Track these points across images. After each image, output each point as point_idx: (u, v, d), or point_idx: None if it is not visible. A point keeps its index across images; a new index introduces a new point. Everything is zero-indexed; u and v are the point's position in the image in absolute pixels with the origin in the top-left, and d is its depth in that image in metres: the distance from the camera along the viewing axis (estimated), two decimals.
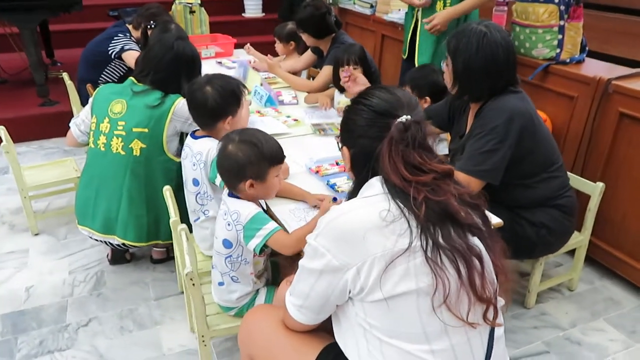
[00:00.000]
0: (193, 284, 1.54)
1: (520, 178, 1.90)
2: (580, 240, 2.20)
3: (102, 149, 2.16)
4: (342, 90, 2.84)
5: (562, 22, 2.50)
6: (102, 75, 3.41)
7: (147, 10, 3.32)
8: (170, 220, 1.78)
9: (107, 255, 2.48)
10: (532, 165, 1.90)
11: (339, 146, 1.35)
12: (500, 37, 1.79)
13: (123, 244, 2.24)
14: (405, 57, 3.18)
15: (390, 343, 1.08)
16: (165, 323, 2.13)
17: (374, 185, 1.14)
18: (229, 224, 1.56)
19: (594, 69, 2.45)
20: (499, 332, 1.17)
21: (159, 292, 2.30)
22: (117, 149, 2.13)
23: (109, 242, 2.28)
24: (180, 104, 2.12)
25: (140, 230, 2.19)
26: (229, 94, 1.89)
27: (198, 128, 2.09)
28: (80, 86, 3.50)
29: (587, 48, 2.62)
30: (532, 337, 2.06)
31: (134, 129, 2.11)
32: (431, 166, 1.11)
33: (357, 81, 2.45)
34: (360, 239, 1.06)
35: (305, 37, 3.06)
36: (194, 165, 1.88)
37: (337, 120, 2.61)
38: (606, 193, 2.16)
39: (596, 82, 2.31)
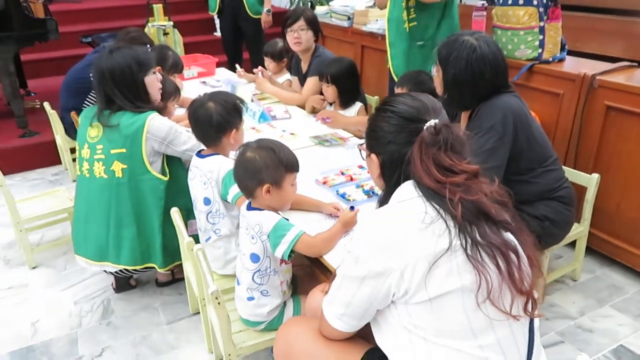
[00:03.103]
0: (219, 303, 1.53)
1: (517, 174, 1.95)
2: (580, 231, 2.27)
3: (87, 175, 2.14)
4: (331, 103, 2.90)
5: (542, 23, 2.60)
6: (86, 102, 3.35)
7: (127, 34, 3.30)
8: (185, 242, 1.78)
9: (112, 284, 2.43)
10: (529, 161, 1.96)
11: (362, 155, 1.38)
12: (489, 51, 1.83)
13: (121, 270, 2.21)
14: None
15: (437, 342, 1.10)
16: (181, 347, 2.10)
17: (408, 189, 1.17)
18: (252, 237, 1.58)
19: (577, 66, 2.55)
20: (536, 323, 1.21)
21: (170, 316, 2.27)
22: (100, 174, 2.10)
23: (107, 271, 2.25)
24: (152, 122, 2.06)
25: (133, 253, 2.16)
26: (232, 107, 1.91)
27: (180, 149, 2.13)
28: (63, 114, 3.45)
29: (566, 47, 2.73)
30: (546, 328, 2.11)
31: (112, 151, 2.07)
32: (462, 167, 1.14)
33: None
34: (401, 243, 1.08)
35: (307, 37, 3.01)
36: (205, 184, 1.88)
37: (338, 130, 2.64)
38: (600, 184, 2.23)
39: (581, 78, 2.41)
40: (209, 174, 1.87)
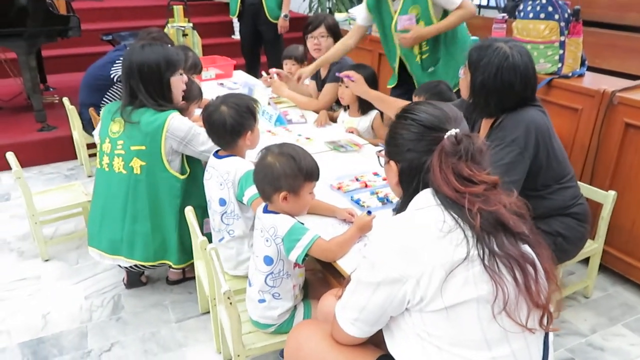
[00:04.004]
0: (230, 303, 1.54)
1: (533, 190, 1.93)
2: (594, 248, 2.25)
3: (106, 169, 2.18)
4: (346, 108, 2.92)
5: (562, 38, 2.59)
6: (104, 99, 3.40)
7: (149, 34, 3.33)
8: (199, 241, 1.79)
9: (123, 279, 2.45)
10: (546, 178, 1.93)
11: (380, 161, 1.38)
12: (521, 62, 1.78)
13: (135, 265, 2.23)
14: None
15: (451, 351, 1.10)
16: (189, 345, 2.11)
17: (426, 197, 1.17)
18: (267, 240, 1.58)
19: (596, 82, 2.54)
20: (551, 337, 1.20)
21: (179, 314, 2.28)
22: (119, 169, 2.13)
23: (121, 265, 2.27)
24: (172, 121, 2.07)
25: (147, 249, 2.18)
26: (245, 110, 1.92)
27: (199, 150, 2.14)
28: (82, 110, 3.49)
29: (586, 62, 2.72)
30: (555, 344, 2.09)
31: (132, 148, 2.10)
32: (481, 177, 1.14)
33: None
34: (418, 250, 1.08)
35: (327, 44, 3.07)
36: (221, 184, 1.89)
37: (354, 136, 2.65)
38: (616, 201, 2.22)
39: (601, 94, 2.40)
40: (225, 175, 1.88)
